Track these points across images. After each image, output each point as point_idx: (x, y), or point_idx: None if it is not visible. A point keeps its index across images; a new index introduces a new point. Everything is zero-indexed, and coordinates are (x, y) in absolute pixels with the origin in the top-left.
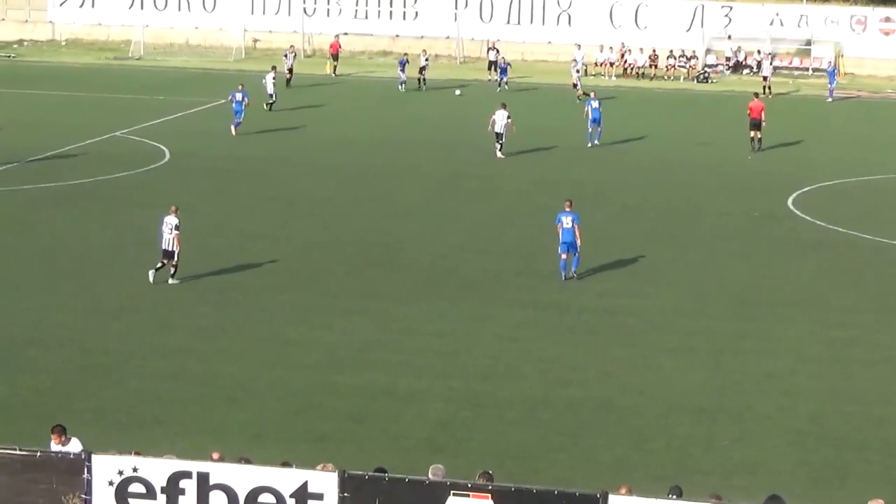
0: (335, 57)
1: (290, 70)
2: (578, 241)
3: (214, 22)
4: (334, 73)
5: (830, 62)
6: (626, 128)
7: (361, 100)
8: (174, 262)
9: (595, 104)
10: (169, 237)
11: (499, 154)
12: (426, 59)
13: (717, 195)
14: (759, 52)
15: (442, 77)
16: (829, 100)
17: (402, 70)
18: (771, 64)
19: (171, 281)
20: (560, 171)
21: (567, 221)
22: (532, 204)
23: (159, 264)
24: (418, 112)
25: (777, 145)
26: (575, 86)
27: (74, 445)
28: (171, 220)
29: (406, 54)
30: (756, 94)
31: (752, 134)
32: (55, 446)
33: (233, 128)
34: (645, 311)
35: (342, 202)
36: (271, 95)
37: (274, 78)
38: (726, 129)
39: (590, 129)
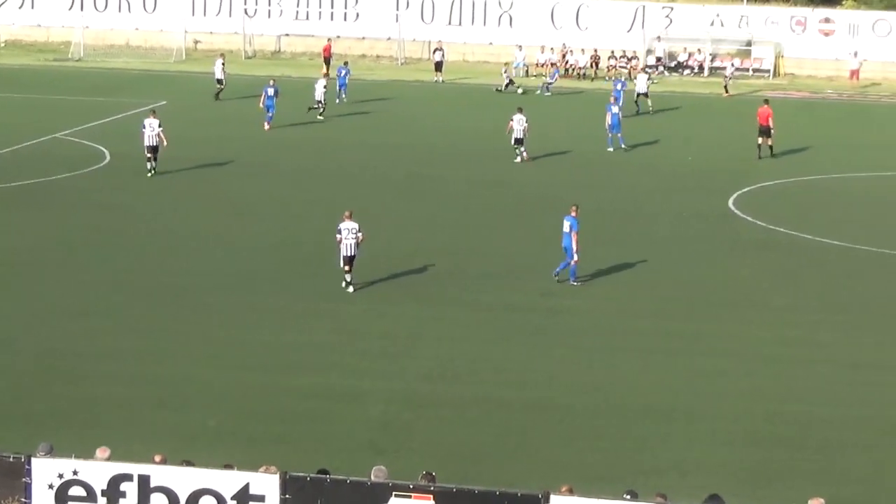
0: (327, 61)
1: (220, 81)
2: (574, 247)
3: (155, 23)
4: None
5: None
6: (567, 129)
7: (306, 101)
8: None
9: (615, 109)
10: (350, 242)
11: (522, 157)
12: None
13: (656, 195)
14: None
15: (383, 78)
16: (548, 94)
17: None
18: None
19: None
20: (504, 174)
21: (566, 226)
22: (477, 205)
23: (348, 277)
24: (368, 113)
25: (716, 145)
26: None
27: None
28: (351, 226)
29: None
30: (766, 101)
31: (761, 141)
32: None
33: (266, 124)
34: (590, 312)
35: (292, 204)
36: (319, 102)
37: (325, 86)
38: (666, 129)
39: (610, 135)
